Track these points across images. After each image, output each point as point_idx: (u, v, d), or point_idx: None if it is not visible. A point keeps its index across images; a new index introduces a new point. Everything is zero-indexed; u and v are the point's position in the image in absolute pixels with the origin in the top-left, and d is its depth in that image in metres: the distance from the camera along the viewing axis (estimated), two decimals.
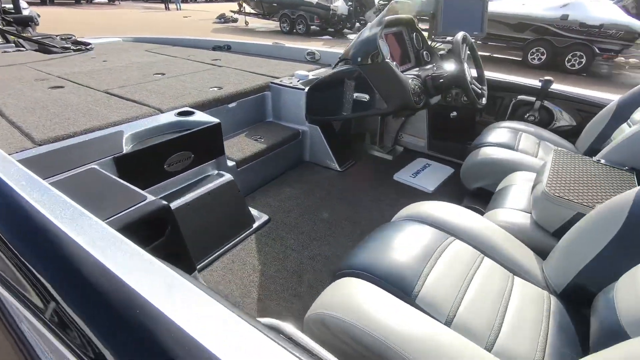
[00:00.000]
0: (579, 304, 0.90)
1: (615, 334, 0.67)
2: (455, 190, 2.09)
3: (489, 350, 0.77)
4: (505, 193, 1.43)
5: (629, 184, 1.19)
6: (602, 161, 1.35)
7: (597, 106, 1.87)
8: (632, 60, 9.04)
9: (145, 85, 2.08)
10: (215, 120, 1.65)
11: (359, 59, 1.83)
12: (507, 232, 1.13)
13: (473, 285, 0.90)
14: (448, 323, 0.81)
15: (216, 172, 1.71)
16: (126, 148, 1.36)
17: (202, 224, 1.52)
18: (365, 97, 1.87)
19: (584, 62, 7.51)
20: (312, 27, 11.19)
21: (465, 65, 1.79)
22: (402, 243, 1.00)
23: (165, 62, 2.68)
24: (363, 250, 1.01)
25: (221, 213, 1.60)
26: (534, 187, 1.24)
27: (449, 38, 2.23)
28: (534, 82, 2.08)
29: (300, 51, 2.96)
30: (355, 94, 1.90)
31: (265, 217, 1.78)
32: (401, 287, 0.87)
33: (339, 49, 2.88)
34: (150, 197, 1.06)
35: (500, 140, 1.79)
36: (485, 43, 9.11)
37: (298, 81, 2.32)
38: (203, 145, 1.62)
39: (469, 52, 1.91)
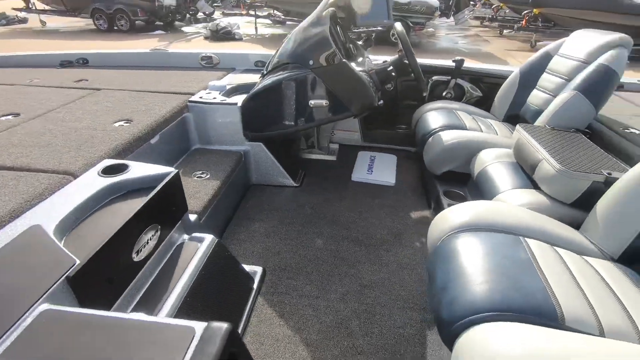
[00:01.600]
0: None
1: None
2: (414, 177, 2.17)
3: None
4: (491, 174, 1.54)
5: (592, 145, 1.44)
6: (553, 128, 1.59)
7: (500, 77, 2.20)
8: (430, 30, 11.14)
9: (3, 139, 1.38)
10: (170, 169, 1.22)
11: (311, 62, 1.63)
12: (541, 212, 1.22)
13: (581, 281, 0.92)
14: (602, 333, 0.81)
15: (186, 236, 1.29)
16: (70, 252, 0.86)
17: (207, 314, 1.13)
18: (323, 102, 1.70)
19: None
20: (137, 22, 9.71)
21: (408, 54, 1.82)
22: (500, 262, 0.95)
23: (1, 96, 1.85)
24: (467, 284, 0.91)
25: (221, 288, 1.23)
26: (536, 165, 1.36)
27: (372, 28, 2.22)
28: (448, 62, 2.29)
29: (191, 57, 2.49)
30: (312, 101, 1.70)
31: (258, 269, 1.46)
32: (545, 313, 0.82)
33: (240, 50, 2.55)
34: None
35: (449, 122, 1.92)
36: None
37: (220, 93, 1.95)
38: (167, 207, 1.18)
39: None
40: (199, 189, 1.56)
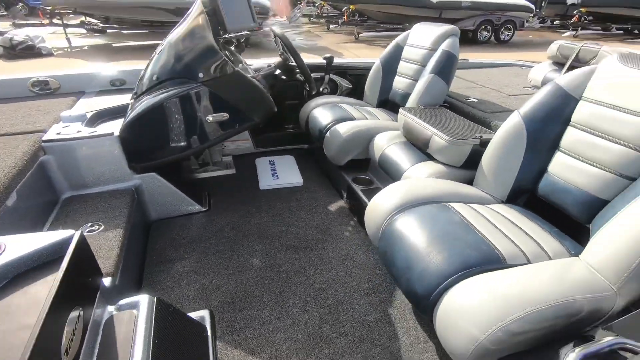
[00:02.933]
0: (520, 200, 1.36)
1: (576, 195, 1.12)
2: (317, 172, 2.25)
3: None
4: (391, 157, 1.74)
5: (456, 117, 1.78)
6: (425, 106, 1.89)
7: (364, 69, 2.46)
8: (266, 29, 11.48)
9: None
10: (69, 231, 0.95)
11: (201, 75, 1.49)
12: (441, 179, 1.46)
13: (498, 225, 1.15)
14: (529, 260, 1.04)
15: (111, 308, 1.04)
16: None
17: None
18: (224, 116, 1.58)
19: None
20: None
21: (295, 56, 1.86)
22: (443, 228, 1.10)
23: None
24: (428, 256, 1.03)
25: (180, 352, 1.04)
26: (427, 141, 1.60)
27: (240, 33, 2.14)
28: (319, 60, 2.42)
29: (17, 83, 1.94)
30: (210, 117, 1.56)
31: (204, 313, 1.29)
32: (493, 260, 1.00)
33: (84, 69, 2.12)
34: None
35: (339, 115, 2.06)
36: (151, 32, 8.90)
37: (82, 124, 1.60)
38: (82, 280, 0.93)
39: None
40: (100, 245, 1.27)
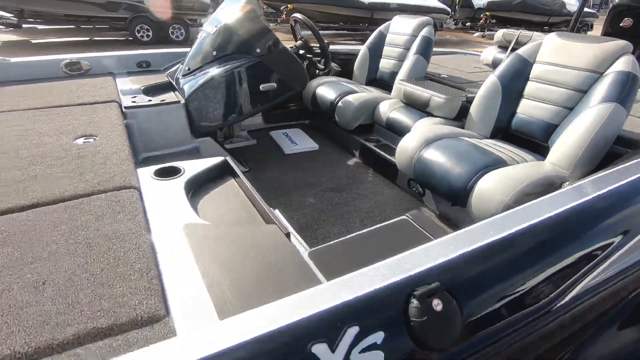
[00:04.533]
0: (499, 135, 1.94)
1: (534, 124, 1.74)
2: (327, 139, 2.65)
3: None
4: (398, 118, 2.23)
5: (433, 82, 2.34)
6: (415, 79, 2.43)
7: (350, 54, 2.94)
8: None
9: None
10: (219, 158, 1.26)
11: (258, 50, 1.81)
12: (439, 125, 2.00)
13: (489, 149, 1.71)
14: (519, 163, 1.62)
15: None
16: None
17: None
18: (272, 85, 1.91)
19: (184, 32, 8.73)
20: None
21: (320, 39, 2.25)
22: (463, 149, 1.63)
23: None
24: (459, 164, 1.55)
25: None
26: (427, 101, 2.12)
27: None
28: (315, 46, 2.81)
29: (48, 65, 2.01)
30: (262, 85, 1.88)
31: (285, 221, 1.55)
32: (500, 162, 1.56)
33: (110, 51, 2.22)
34: None
35: (345, 89, 2.50)
36: (77, 27, 8.31)
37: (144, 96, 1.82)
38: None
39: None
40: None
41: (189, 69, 1.90)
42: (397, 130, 2.22)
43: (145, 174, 1.14)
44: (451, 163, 1.57)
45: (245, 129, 2.68)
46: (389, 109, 2.31)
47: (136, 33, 8.20)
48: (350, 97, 2.39)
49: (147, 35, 8.33)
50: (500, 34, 2.87)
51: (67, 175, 1.08)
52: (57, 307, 0.66)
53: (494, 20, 10.25)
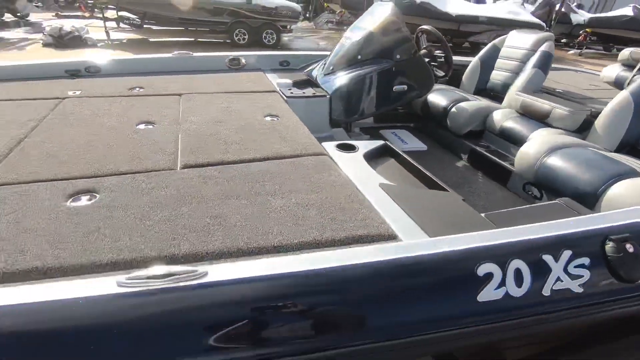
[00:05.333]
0: (625, 151, 1.97)
1: None
2: (432, 141, 2.84)
3: None
4: (513, 127, 2.33)
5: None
6: (534, 91, 2.52)
7: (459, 65, 3.08)
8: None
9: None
10: (380, 142, 1.51)
11: (398, 56, 2.07)
12: (562, 135, 2.08)
13: (619, 159, 1.77)
14: None
15: None
16: None
17: None
18: (403, 88, 2.16)
19: (275, 37, 9.42)
20: None
21: (446, 48, 2.46)
22: (590, 156, 1.72)
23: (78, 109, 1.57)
24: (589, 169, 1.64)
25: None
26: (547, 113, 2.21)
27: None
28: None
29: (217, 60, 2.46)
30: (395, 87, 2.14)
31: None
32: (632, 172, 1.62)
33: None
34: None
35: (457, 97, 2.66)
36: (186, 29, 9.35)
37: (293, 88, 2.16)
38: None
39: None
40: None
41: (332, 69, 2.22)
42: (512, 139, 2.32)
43: (329, 147, 1.44)
44: (580, 169, 1.67)
45: (357, 126, 2.95)
46: (503, 118, 2.43)
47: (234, 36, 9.06)
48: (464, 104, 2.55)
49: (243, 39, 9.15)
50: (627, 52, 2.82)
51: (274, 141, 1.41)
52: (324, 221, 0.95)
53: (594, 38, 9.57)
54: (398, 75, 2.14)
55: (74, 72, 2.08)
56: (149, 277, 0.62)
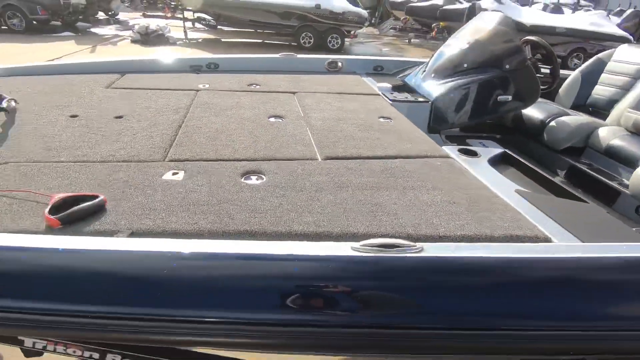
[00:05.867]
0: None
1: None
2: (529, 152, 2.75)
3: None
4: (623, 145, 2.19)
5: None
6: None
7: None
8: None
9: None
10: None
11: (507, 66, 2.05)
12: None
13: None
14: None
15: None
16: None
17: None
18: (507, 98, 2.13)
19: (340, 41, 9.57)
20: (34, 21, 8.10)
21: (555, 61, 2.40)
22: None
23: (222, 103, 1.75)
24: None
25: None
26: None
27: None
28: None
29: (317, 62, 2.58)
30: (500, 97, 2.12)
31: None
32: None
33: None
34: None
35: (557, 111, 2.55)
36: (255, 31, 9.76)
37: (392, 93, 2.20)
38: None
39: None
40: None
41: (433, 75, 2.24)
42: (621, 158, 2.20)
43: (450, 151, 1.47)
44: None
45: (443, 134, 2.94)
46: (611, 136, 2.30)
47: (300, 39, 9.33)
48: (565, 119, 2.45)
49: (309, 42, 9.40)
50: None
51: (395, 141, 1.47)
52: (476, 218, 0.99)
53: None
54: (505, 85, 2.11)
55: (197, 68, 2.29)
56: (380, 245, 0.71)
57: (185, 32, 9.24)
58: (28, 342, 0.95)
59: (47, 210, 0.86)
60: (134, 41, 8.26)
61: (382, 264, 0.72)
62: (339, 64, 2.61)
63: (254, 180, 1.13)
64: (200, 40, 9.43)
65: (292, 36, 9.50)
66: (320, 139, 1.45)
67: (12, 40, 7.25)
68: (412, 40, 11.42)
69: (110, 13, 9.75)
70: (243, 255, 0.73)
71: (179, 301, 0.73)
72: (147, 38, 8.21)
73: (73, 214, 0.85)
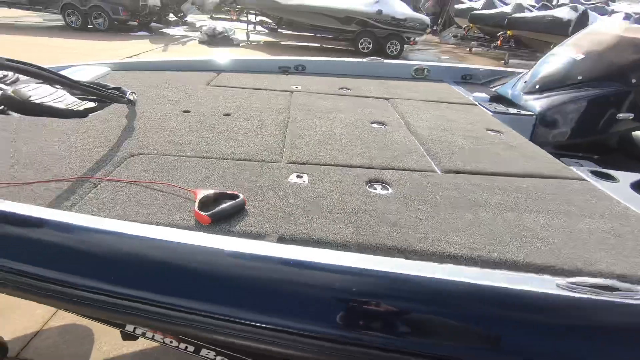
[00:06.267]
0: None
1: None
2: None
3: None
4: None
5: None
6: None
7: None
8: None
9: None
10: None
11: (634, 80, 1.84)
12: None
13: None
14: None
15: None
16: None
17: None
18: (629, 116, 1.91)
19: (399, 48, 9.39)
20: (115, 21, 8.76)
21: None
22: None
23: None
24: None
25: None
26: None
27: None
28: None
29: (403, 67, 2.50)
30: (620, 114, 1.90)
31: None
32: None
33: (444, 63, 2.61)
34: None
35: None
36: (314, 35, 9.84)
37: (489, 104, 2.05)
38: None
39: None
40: None
41: (538, 87, 2.06)
42: None
43: (582, 172, 1.31)
44: None
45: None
46: None
47: (359, 45, 9.28)
48: None
49: (368, 47, 9.32)
50: None
51: (517, 156, 1.35)
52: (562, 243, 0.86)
53: None
54: (629, 101, 1.89)
55: (285, 69, 2.30)
56: (596, 286, 0.61)
57: (247, 34, 9.54)
58: (129, 327, 0.94)
59: (195, 206, 0.85)
60: (201, 42, 8.66)
61: (601, 308, 0.62)
62: (426, 71, 2.50)
63: (379, 189, 1.07)
64: (261, 43, 9.69)
65: (350, 41, 9.48)
66: (431, 150, 1.37)
67: (96, 38, 7.90)
68: (473, 49, 10.96)
69: (179, 15, 10.32)
70: (432, 281, 0.66)
71: (317, 318, 0.67)
72: (214, 39, 8.57)
73: (222, 212, 0.84)
